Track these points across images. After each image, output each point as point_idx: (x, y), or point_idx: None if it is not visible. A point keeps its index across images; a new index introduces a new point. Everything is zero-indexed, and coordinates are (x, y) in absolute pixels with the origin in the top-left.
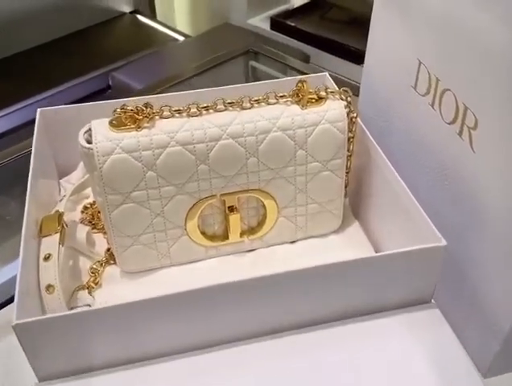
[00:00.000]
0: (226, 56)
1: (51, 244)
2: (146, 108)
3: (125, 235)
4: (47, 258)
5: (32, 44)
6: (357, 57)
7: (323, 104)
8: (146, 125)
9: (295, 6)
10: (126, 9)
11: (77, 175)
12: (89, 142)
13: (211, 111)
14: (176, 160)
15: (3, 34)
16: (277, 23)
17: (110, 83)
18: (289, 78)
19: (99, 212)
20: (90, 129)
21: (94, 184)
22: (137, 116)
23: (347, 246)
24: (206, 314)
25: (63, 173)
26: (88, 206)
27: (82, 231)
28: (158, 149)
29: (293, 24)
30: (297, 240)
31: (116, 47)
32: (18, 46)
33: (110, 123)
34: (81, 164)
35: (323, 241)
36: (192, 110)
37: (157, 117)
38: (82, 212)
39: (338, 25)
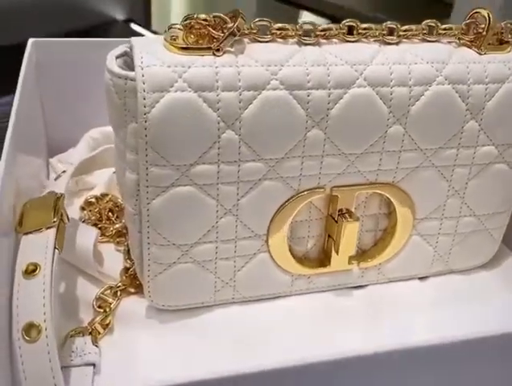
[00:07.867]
0: None
1: (39, 246)
2: (231, 19)
3: (169, 242)
4: (30, 272)
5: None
6: None
7: (509, 50)
8: (229, 49)
9: None
10: (120, 16)
11: (79, 153)
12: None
13: (335, 41)
14: (276, 115)
15: None
16: None
17: None
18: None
19: (110, 211)
20: (127, 53)
21: (124, 147)
22: (213, 31)
23: (508, 291)
24: None
25: (53, 150)
26: (93, 201)
27: (89, 234)
28: (250, 91)
29: None
30: (428, 276)
31: None
32: None
33: (168, 40)
34: (85, 137)
35: (469, 280)
36: (304, 31)
37: (246, 40)
38: (83, 210)
39: None
